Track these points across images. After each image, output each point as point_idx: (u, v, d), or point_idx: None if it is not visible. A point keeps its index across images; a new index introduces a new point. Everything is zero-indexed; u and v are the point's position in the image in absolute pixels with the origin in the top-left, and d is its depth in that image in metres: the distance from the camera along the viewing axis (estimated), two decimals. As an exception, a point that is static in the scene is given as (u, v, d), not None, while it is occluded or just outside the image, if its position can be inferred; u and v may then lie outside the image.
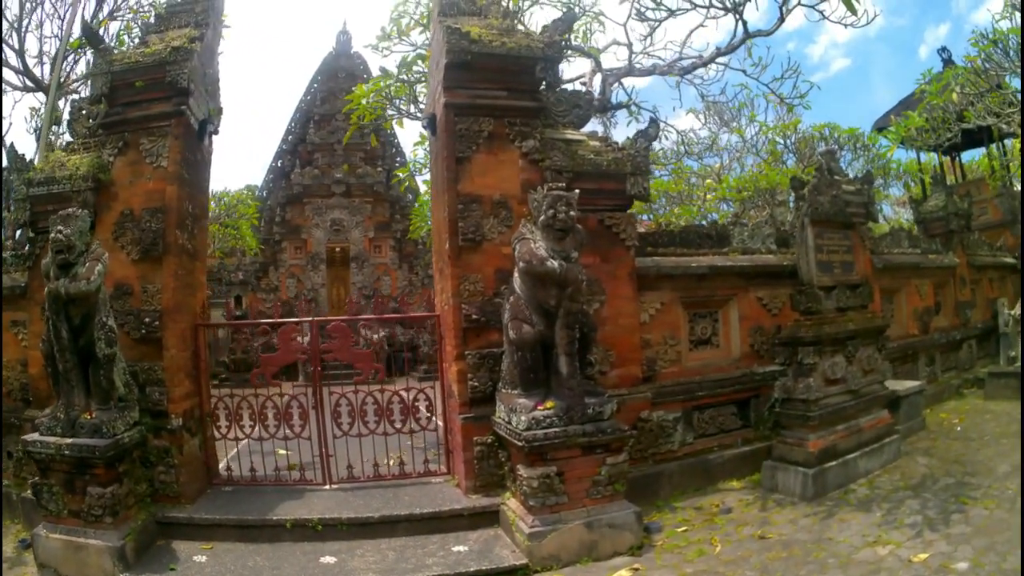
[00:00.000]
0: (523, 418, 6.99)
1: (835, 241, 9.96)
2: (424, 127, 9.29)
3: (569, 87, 10.40)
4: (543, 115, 8.82)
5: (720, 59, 12.75)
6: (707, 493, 9.15)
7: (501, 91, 8.43)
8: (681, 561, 6.97)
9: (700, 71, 13.27)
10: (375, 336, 21.47)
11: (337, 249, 30.36)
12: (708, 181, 21.22)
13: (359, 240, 30.45)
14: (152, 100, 8.36)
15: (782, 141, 19.64)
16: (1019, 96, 12.73)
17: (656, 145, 14.89)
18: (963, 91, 12.51)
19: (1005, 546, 6.52)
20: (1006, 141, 19.75)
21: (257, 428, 8.80)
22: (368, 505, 7.81)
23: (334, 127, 29.53)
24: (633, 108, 13.68)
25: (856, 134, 19.61)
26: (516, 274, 7.51)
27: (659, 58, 13.24)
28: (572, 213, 7.13)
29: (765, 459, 9.26)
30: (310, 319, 9.42)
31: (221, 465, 9.05)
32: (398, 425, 8.84)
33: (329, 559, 6.92)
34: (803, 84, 12.97)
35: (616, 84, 13.61)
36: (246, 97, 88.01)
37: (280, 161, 31.34)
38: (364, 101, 12.39)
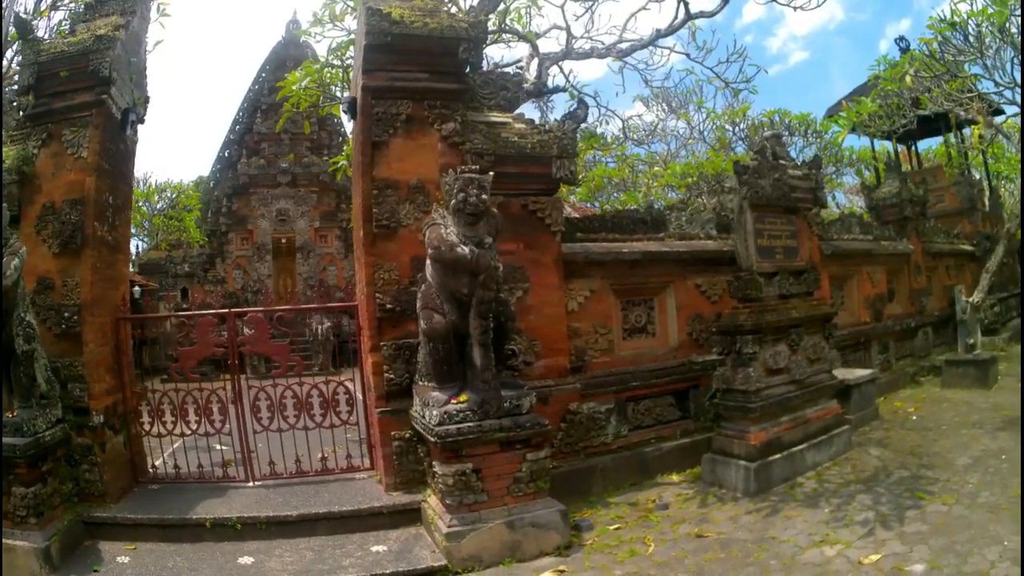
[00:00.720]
0: (435, 412, 6.71)
1: (777, 226, 9.46)
2: (344, 111, 8.89)
3: (509, 71, 10.37)
4: (468, 97, 8.57)
5: (663, 44, 12.39)
6: (644, 488, 8.80)
7: (422, 73, 8.13)
8: (611, 562, 6.61)
9: (644, 57, 13.00)
10: (321, 327, 20.92)
11: (283, 239, 30.04)
12: (655, 168, 20.84)
13: (305, 230, 30.11)
14: (76, 90, 8.14)
15: (731, 128, 19.37)
16: (978, 84, 12.33)
17: (599, 131, 14.48)
18: (918, 75, 12.06)
19: (966, 546, 6.03)
20: (964, 129, 19.51)
21: (179, 424, 8.56)
22: (288, 503, 7.59)
23: (281, 116, 28.79)
24: (574, 92, 13.36)
25: (807, 120, 19.32)
26: (428, 261, 7.17)
27: (599, 42, 12.77)
28: (484, 196, 6.83)
29: (706, 452, 8.95)
30: (227, 311, 9.05)
31: (159, 462, 8.85)
32: (318, 419, 8.50)
33: (247, 560, 6.72)
34: (750, 68, 12.59)
35: (556, 69, 13.29)
36: (198, 88, 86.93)
37: (228, 151, 30.71)
38: (296, 87, 11.88)
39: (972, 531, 6.34)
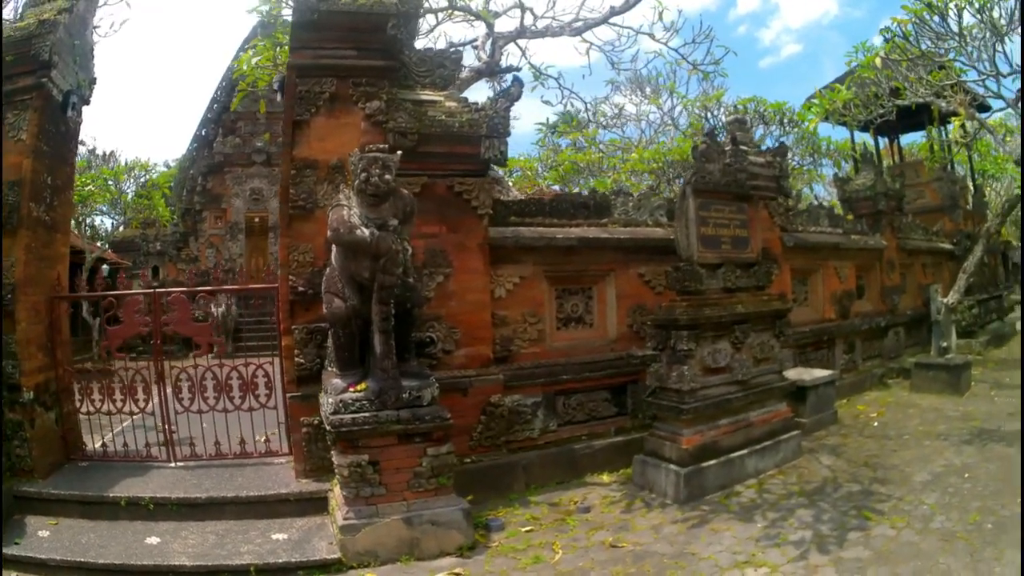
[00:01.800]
0: (331, 400, 6.45)
1: (725, 214, 8.72)
2: (276, 90, 8.88)
3: (452, 50, 10.17)
4: (402, 75, 8.30)
5: (630, 24, 11.84)
6: (571, 487, 8.30)
7: (350, 50, 7.81)
8: (511, 568, 6.17)
9: (612, 39, 12.40)
10: (218, 310, 20.56)
11: (256, 219, 29.58)
12: (619, 155, 20.12)
13: (278, 210, 29.12)
14: (20, 74, 8.05)
15: (703, 114, 18.69)
16: (961, 76, 11.55)
17: (564, 113, 13.94)
18: (888, 58, 11.28)
19: (910, 582, 5.36)
20: (948, 125, 18.71)
21: (107, 403, 8.50)
22: (200, 486, 7.49)
23: (258, 95, 28.24)
24: (541, 76, 12.79)
25: (783, 108, 18.54)
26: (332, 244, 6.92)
27: (557, 20, 12.17)
28: (388, 177, 6.52)
29: (642, 451, 8.36)
30: (151, 290, 8.79)
31: (107, 438, 8.78)
32: (237, 402, 8.32)
33: (154, 540, 6.65)
34: (718, 50, 11.93)
35: (520, 49, 12.99)
36: (181, 66, 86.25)
37: (204, 130, 30.35)
38: (247, 66, 11.66)
39: (919, 562, 5.68)
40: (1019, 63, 10.10)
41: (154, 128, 74.71)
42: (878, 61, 11.14)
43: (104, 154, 28.66)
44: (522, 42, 12.95)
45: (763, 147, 11.87)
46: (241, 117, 29.30)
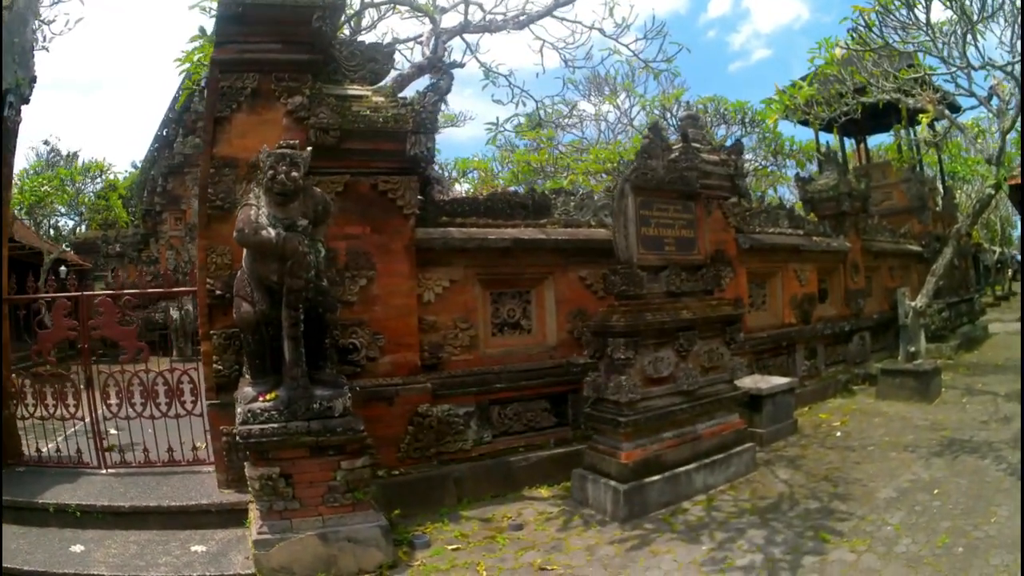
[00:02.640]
0: (239, 410, 6.20)
1: (669, 214, 8.15)
2: (202, 88, 8.61)
3: (392, 44, 10.17)
4: (331, 69, 7.98)
5: (578, 20, 11.73)
6: (506, 501, 7.85)
7: (275, 44, 7.44)
8: None
9: (564, 36, 12.39)
10: (178, 313, 20.08)
11: (215, 220, 28.60)
12: (579, 155, 19.60)
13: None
14: None
15: (661, 114, 18.15)
16: (930, 73, 11.02)
17: (515, 112, 13.54)
18: (850, 47, 10.75)
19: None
20: (917, 125, 18.20)
21: (39, 408, 8.50)
22: (126, 494, 7.36)
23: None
24: (491, 74, 12.57)
25: (744, 108, 18.00)
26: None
27: (499, 13, 11.70)
28: (295, 174, 6.14)
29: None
30: (79, 294, 8.56)
31: (52, 444, 8.60)
32: (163, 408, 8.17)
33: (78, 548, 6.56)
34: (670, 47, 11.39)
35: (467, 44, 12.70)
36: (144, 66, 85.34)
37: (165, 130, 29.79)
38: (193, 62, 11.03)
39: (879, 593, 5.11)
40: (990, 57, 9.61)
41: (121, 129, 73.54)
42: (837, 51, 10.57)
43: (68, 155, 28.08)
44: (470, 38, 12.62)
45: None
46: (201, 117, 28.43)
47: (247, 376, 6.72)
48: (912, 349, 12.31)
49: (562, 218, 9.22)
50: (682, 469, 7.58)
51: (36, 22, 9.74)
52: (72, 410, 8.39)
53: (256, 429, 5.94)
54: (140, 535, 6.79)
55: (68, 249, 27.48)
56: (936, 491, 7.20)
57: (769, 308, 12.10)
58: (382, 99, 7.83)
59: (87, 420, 8.30)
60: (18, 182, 20.60)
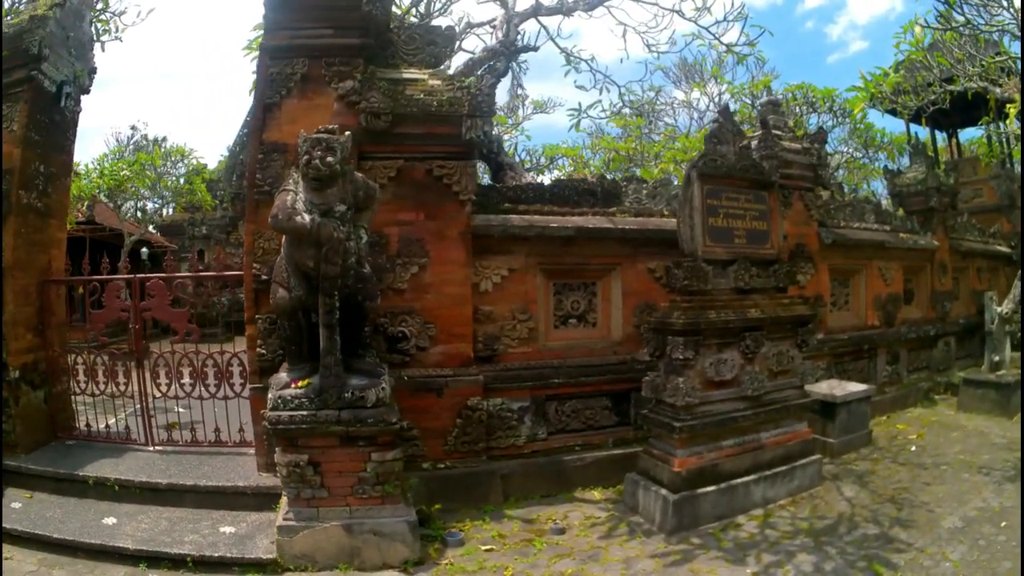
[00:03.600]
0: (271, 395, 6.02)
1: (740, 204, 7.52)
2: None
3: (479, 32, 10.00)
4: (389, 54, 7.76)
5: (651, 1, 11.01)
6: (556, 502, 7.44)
7: (326, 29, 7.24)
8: None
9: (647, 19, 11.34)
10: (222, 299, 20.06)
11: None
12: (660, 142, 18.91)
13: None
14: (13, 68, 8.06)
15: (750, 102, 17.31)
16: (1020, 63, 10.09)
17: (599, 98, 13.01)
18: (927, 26, 9.86)
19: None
20: (1007, 116, 16.94)
21: (90, 385, 8.56)
22: (166, 471, 7.39)
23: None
24: (572, 59, 11.84)
25: (832, 95, 16.97)
26: (284, 232, 6.48)
27: None
28: (331, 159, 5.91)
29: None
30: (133, 275, 8.60)
31: (112, 421, 8.74)
32: (212, 389, 8.12)
33: (111, 520, 6.60)
34: (753, 30, 10.73)
35: (543, 28, 12.10)
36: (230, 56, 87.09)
37: (251, 116, 29.39)
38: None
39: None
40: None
41: (212, 115, 75.22)
42: (918, 30, 9.72)
43: (154, 140, 28.43)
44: (548, 22, 12.00)
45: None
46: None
47: (285, 362, 6.60)
48: (996, 358, 11.35)
49: (633, 207, 8.72)
50: (740, 480, 7.00)
51: (106, 14, 10.17)
52: (123, 388, 8.40)
53: (285, 416, 5.81)
54: (174, 512, 6.80)
55: (154, 231, 27.89)
56: (1003, 524, 6.40)
57: (851, 308, 11.31)
58: (439, 82, 7.54)
59: (149, 399, 8.27)
60: (97, 166, 21.09)
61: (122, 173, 20.00)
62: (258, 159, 7.17)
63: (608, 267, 8.40)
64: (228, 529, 6.45)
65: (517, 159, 19.80)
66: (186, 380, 8.16)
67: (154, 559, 5.95)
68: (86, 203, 20.86)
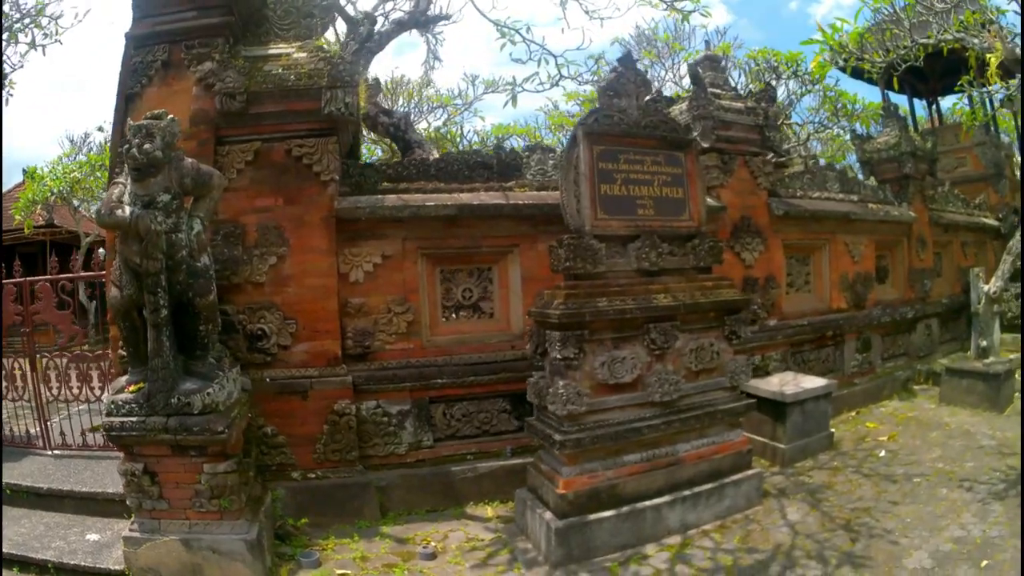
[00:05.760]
0: (106, 399, 5.69)
1: (646, 167, 6.23)
2: None
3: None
4: (263, 31, 7.26)
5: None
6: (442, 518, 6.55)
7: (189, 12, 6.72)
8: None
9: None
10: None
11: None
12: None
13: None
14: None
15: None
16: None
17: (537, 70, 11.51)
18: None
19: None
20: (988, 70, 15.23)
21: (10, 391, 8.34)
22: (51, 476, 7.14)
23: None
24: (506, 31, 10.42)
25: (798, 59, 15.41)
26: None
27: None
28: (148, 146, 5.35)
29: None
30: (23, 279, 8.19)
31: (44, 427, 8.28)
32: (97, 392, 7.86)
33: None
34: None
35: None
36: None
37: None
38: None
39: None
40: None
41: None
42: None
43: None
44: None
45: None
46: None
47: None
48: (984, 344, 9.85)
49: (536, 180, 7.51)
50: (649, 503, 5.79)
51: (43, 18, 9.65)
52: (20, 392, 8.17)
53: (118, 422, 5.29)
54: (54, 517, 6.57)
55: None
56: (984, 563, 4.94)
57: (813, 289, 9.96)
58: (304, 55, 6.88)
59: (42, 400, 7.97)
60: (50, 168, 20.38)
61: (72, 175, 19.12)
62: (118, 153, 6.36)
63: (504, 249, 7.35)
64: (93, 536, 6.17)
65: (466, 142, 18.46)
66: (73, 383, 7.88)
67: (24, 564, 5.75)
68: (39, 206, 20.11)
